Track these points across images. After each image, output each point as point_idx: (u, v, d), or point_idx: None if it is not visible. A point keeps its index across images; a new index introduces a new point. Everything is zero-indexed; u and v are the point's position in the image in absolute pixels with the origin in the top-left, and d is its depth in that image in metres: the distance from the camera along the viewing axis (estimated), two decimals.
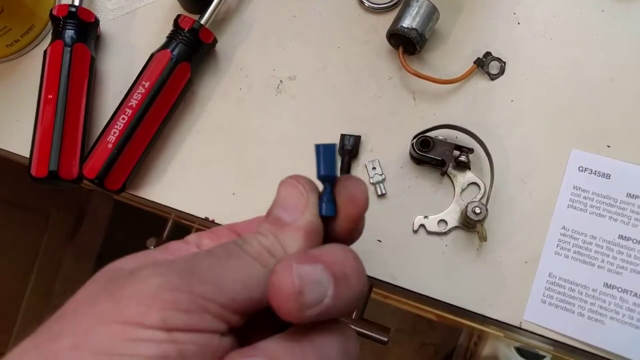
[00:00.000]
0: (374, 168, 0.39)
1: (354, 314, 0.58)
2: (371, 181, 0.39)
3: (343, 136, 0.39)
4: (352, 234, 0.26)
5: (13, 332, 1.41)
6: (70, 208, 1.53)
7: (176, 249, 0.26)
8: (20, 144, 0.42)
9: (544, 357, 1.04)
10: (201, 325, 0.20)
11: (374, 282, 0.40)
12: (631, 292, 0.35)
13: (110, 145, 0.38)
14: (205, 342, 0.20)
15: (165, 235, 0.96)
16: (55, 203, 1.43)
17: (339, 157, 0.39)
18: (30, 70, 0.44)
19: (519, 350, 1.05)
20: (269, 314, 0.22)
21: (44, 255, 1.42)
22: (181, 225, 1.06)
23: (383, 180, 0.39)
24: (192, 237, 0.27)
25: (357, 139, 0.39)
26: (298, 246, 0.23)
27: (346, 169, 0.39)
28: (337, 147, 0.34)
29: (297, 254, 0.22)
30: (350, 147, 0.39)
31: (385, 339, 0.58)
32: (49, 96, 0.39)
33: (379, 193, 0.38)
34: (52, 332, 0.20)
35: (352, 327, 0.35)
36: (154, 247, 0.97)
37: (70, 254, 1.53)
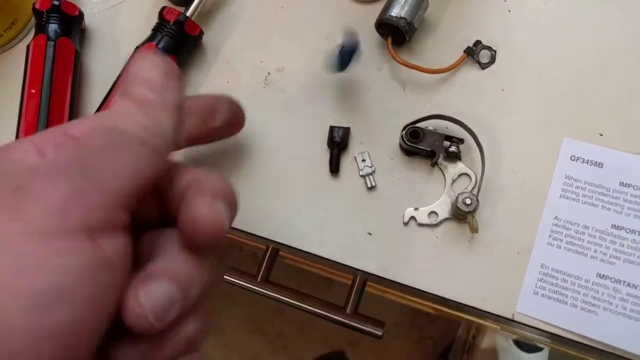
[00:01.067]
0: (363, 160, 0.38)
1: (349, 308, 0.58)
2: (361, 173, 0.38)
3: (332, 128, 0.38)
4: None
5: None
6: None
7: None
8: (4, 140, 0.41)
9: (542, 349, 1.04)
10: (118, 223, 0.20)
11: (364, 276, 0.39)
12: (624, 282, 0.34)
13: None
14: (124, 244, 0.20)
15: None
16: None
17: (328, 149, 0.39)
18: (13, 66, 0.43)
19: (517, 343, 1.05)
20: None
21: None
22: None
23: (373, 173, 0.38)
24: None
25: (346, 131, 0.38)
26: (171, 123, 0.23)
27: (335, 161, 0.38)
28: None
29: (139, 277, 0.22)
30: (339, 139, 0.38)
31: (380, 333, 0.58)
32: (32, 91, 0.38)
33: (369, 185, 0.38)
34: None
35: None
36: None
37: None
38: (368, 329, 0.57)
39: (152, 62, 0.24)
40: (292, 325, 1.27)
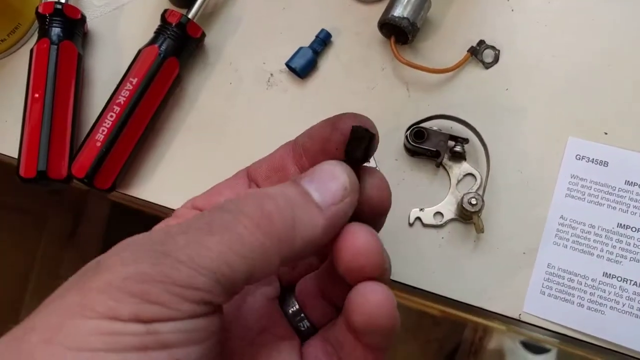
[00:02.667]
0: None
1: None
2: None
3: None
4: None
5: None
6: (67, 210, 1.53)
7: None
8: (8, 145, 0.41)
9: (550, 350, 1.03)
10: (178, 313, 0.19)
11: None
12: (631, 281, 0.34)
13: (98, 144, 0.37)
14: (187, 327, 0.19)
15: None
16: (51, 205, 1.42)
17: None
18: (17, 69, 0.43)
19: (525, 344, 1.04)
20: None
21: (42, 258, 1.41)
22: None
23: None
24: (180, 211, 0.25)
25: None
26: (313, 234, 0.21)
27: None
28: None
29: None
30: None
31: None
32: (36, 95, 0.38)
33: None
34: (25, 328, 0.19)
35: None
36: None
37: (68, 256, 1.52)
38: None
39: (334, 170, 0.23)
40: None
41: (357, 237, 0.22)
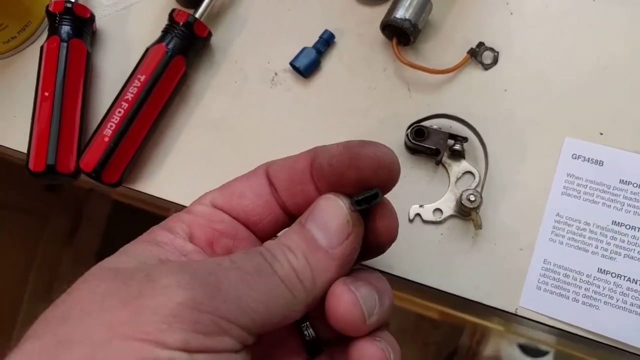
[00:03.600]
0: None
1: None
2: None
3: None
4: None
5: (13, 336, 1.41)
6: (68, 210, 1.53)
7: (167, 242, 0.24)
8: (18, 140, 0.42)
9: (547, 352, 1.04)
10: (219, 347, 0.20)
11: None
12: (625, 277, 0.35)
13: (106, 139, 0.38)
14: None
15: None
16: (52, 205, 1.43)
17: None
18: (27, 66, 0.44)
19: (522, 348, 1.05)
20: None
21: (41, 258, 1.42)
22: None
23: None
24: (176, 226, 0.25)
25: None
26: (328, 277, 0.23)
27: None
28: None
29: (345, 278, 0.23)
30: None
31: None
32: (45, 93, 0.39)
33: None
34: (59, 338, 0.19)
35: None
36: None
37: (68, 257, 1.53)
38: None
39: (333, 209, 0.24)
40: None
41: (340, 303, 0.23)
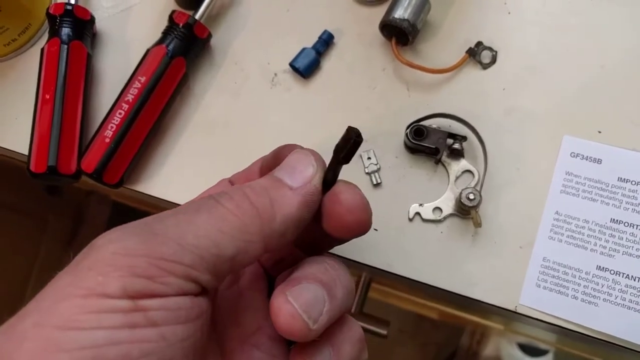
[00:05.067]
0: (369, 158, 0.39)
1: (353, 308, 0.59)
2: (366, 171, 0.39)
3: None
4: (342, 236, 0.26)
5: None
6: (68, 213, 1.53)
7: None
8: (18, 141, 0.42)
9: (547, 351, 1.04)
10: (166, 289, 0.19)
11: (370, 271, 0.40)
12: (623, 274, 0.35)
13: (107, 140, 0.38)
14: (174, 305, 0.20)
15: None
16: (53, 208, 1.43)
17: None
18: (27, 68, 0.44)
19: (522, 347, 1.05)
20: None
21: (42, 261, 1.42)
22: None
23: (378, 170, 0.39)
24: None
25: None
26: (290, 212, 0.23)
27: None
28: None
29: (285, 284, 0.23)
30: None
31: (385, 332, 0.58)
32: (46, 96, 0.39)
33: (374, 182, 0.39)
34: (19, 316, 0.19)
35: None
36: None
37: (68, 260, 1.53)
38: (372, 329, 0.58)
39: (300, 155, 0.25)
40: None
41: (279, 316, 0.22)
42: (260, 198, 0.23)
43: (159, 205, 0.42)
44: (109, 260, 0.19)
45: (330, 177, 0.25)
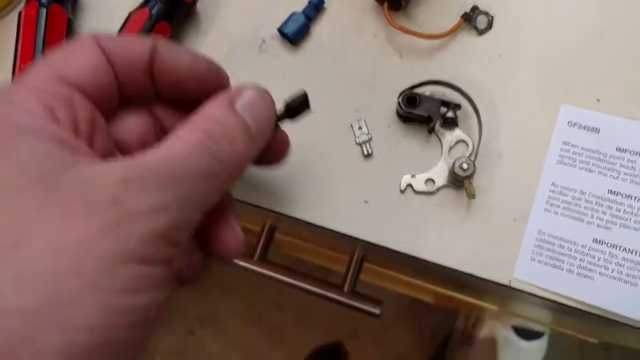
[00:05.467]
0: (360, 128, 0.38)
1: (346, 286, 0.58)
2: (357, 141, 0.38)
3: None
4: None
5: None
6: None
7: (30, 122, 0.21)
8: None
9: (542, 333, 1.04)
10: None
11: (362, 246, 0.39)
12: (620, 247, 0.34)
13: None
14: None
15: None
16: None
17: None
18: (6, 36, 0.43)
19: (517, 330, 1.04)
20: None
21: None
22: None
23: (369, 140, 0.38)
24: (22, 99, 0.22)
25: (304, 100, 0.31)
26: (244, 166, 0.25)
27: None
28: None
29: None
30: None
31: (377, 312, 0.57)
32: (25, 63, 0.38)
33: (366, 153, 0.38)
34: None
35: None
36: None
37: None
38: (365, 308, 0.57)
39: (269, 107, 0.27)
40: (289, 316, 1.26)
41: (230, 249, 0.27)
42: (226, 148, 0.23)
43: None
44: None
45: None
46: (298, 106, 0.29)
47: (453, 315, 1.25)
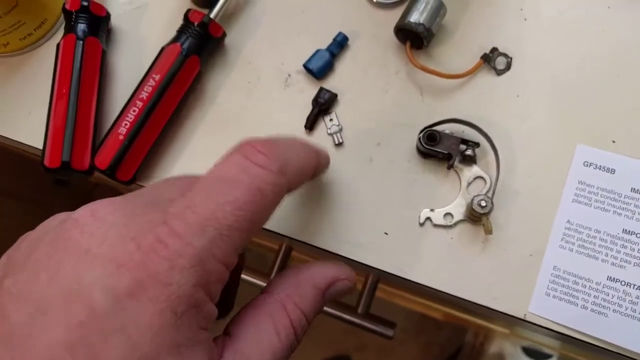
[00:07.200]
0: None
1: (360, 308, 0.59)
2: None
3: (321, 89, 0.41)
4: None
5: None
6: (75, 205, 1.54)
7: None
8: (32, 135, 0.43)
9: (551, 356, 1.04)
10: None
11: (379, 274, 0.40)
12: (634, 285, 0.35)
13: (121, 137, 0.38)
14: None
15: None
16: (60, 199, 1.44)
17: (311, 105, 0.41)
18: (42, 63, 0.44)
19: (526, 350, 1.05)
20: None
21: None
22: None
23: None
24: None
25: (332, 97, 0.40)
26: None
27: (312, 120, 0.40)
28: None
29: None
30: (322, 101, 0.40)
31: (391, 334, 0.59)
32: (63, 90, 0.39)
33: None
34: None
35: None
36: None
37: None
38: (379, 330, 0.58)
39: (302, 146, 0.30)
40: None
41: None
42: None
43: None
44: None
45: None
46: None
47: (461, 333, 1.25)
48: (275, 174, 0.24)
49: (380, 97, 0.41)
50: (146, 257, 0.21)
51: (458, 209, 0.38)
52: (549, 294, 0.36)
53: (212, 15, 0.41)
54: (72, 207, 0.25)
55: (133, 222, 0.22)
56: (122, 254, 0.21)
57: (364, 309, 0.59)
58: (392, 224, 0.38)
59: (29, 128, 0.43)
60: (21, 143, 0.43)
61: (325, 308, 0.59)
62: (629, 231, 0.36)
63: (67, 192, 1.50)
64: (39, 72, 0.44)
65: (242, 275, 0.53)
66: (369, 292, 0.59)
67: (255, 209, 0.23)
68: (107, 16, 0.43)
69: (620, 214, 0.36)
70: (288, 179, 0.25)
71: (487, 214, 0.36)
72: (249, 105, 0.42)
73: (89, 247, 0.21)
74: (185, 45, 0.40)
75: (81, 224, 0.22)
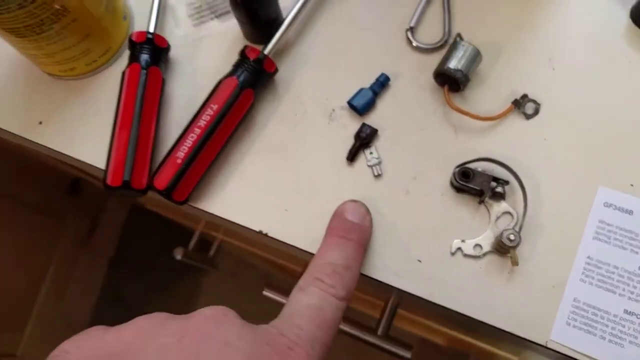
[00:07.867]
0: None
1: (380, 330, 0.62)
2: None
3: (363, 124, 0.44)
4: None
5: (25, 333, 1.44)
6: (86, 213, 1.57)
7: None
8: (94, 154, 0.46)
9: None
10: None
11: (412, 299, 0.43)
12: None
13: (179, 161, 0.42)
14: None
15: (191, 246, 1.00)
16: (71, 208, 1.46)
17: (352, 139, 0.45)
18: (104, 87, 0.48)
19: None
20: None
21: (58, 259, 1.45)
22: (205, 238, 1.09)
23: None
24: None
25: (373, 132, 0.44)
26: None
27: (354, 152, 0.44)
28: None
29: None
30: (364, 135, 0.44)
31: (409, 356, 0.61)
32: (127, 115, 0.43)
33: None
34: None
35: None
36: (180, 257, 0.99)
37: (83, 259, 1.56)
38: (397, 352, 0.61)
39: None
40: None
41: None
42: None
43: (181, 211, 0.45)
44: None
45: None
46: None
47: (463, 358, 1.26)
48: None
49: (418, 134, 0.44)
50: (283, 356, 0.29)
51: (487, 241, 0.41)
52: (570, 324, 0.39)
53: (266, 52, 0.44)
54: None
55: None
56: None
57: (383, 331, 0.62)
58: (426, 252, 0.41)
59: (92, 147, 0.46)
60: (84, 163, 0.46)
61: (345, 329, 0.62)
62: None
63: (79, 202, 1.53)
64: (101, 95, 0.48)
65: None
66: (389, 316, 0.62)
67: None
68: (168, 47, 0.46)
69: (637, 252, 0.40)
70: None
71: (514, 247, 0.39)
72: (294, 136, 0.45)
73: None
74: (241, 79, 0.43)
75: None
